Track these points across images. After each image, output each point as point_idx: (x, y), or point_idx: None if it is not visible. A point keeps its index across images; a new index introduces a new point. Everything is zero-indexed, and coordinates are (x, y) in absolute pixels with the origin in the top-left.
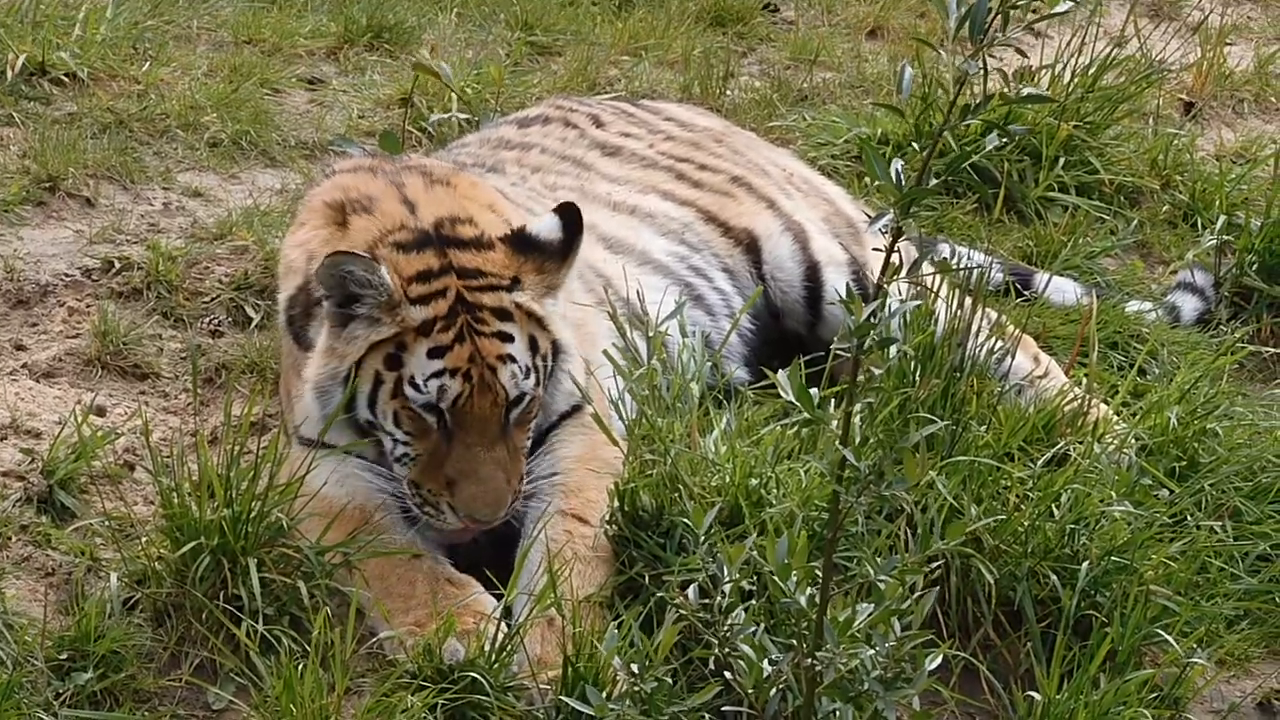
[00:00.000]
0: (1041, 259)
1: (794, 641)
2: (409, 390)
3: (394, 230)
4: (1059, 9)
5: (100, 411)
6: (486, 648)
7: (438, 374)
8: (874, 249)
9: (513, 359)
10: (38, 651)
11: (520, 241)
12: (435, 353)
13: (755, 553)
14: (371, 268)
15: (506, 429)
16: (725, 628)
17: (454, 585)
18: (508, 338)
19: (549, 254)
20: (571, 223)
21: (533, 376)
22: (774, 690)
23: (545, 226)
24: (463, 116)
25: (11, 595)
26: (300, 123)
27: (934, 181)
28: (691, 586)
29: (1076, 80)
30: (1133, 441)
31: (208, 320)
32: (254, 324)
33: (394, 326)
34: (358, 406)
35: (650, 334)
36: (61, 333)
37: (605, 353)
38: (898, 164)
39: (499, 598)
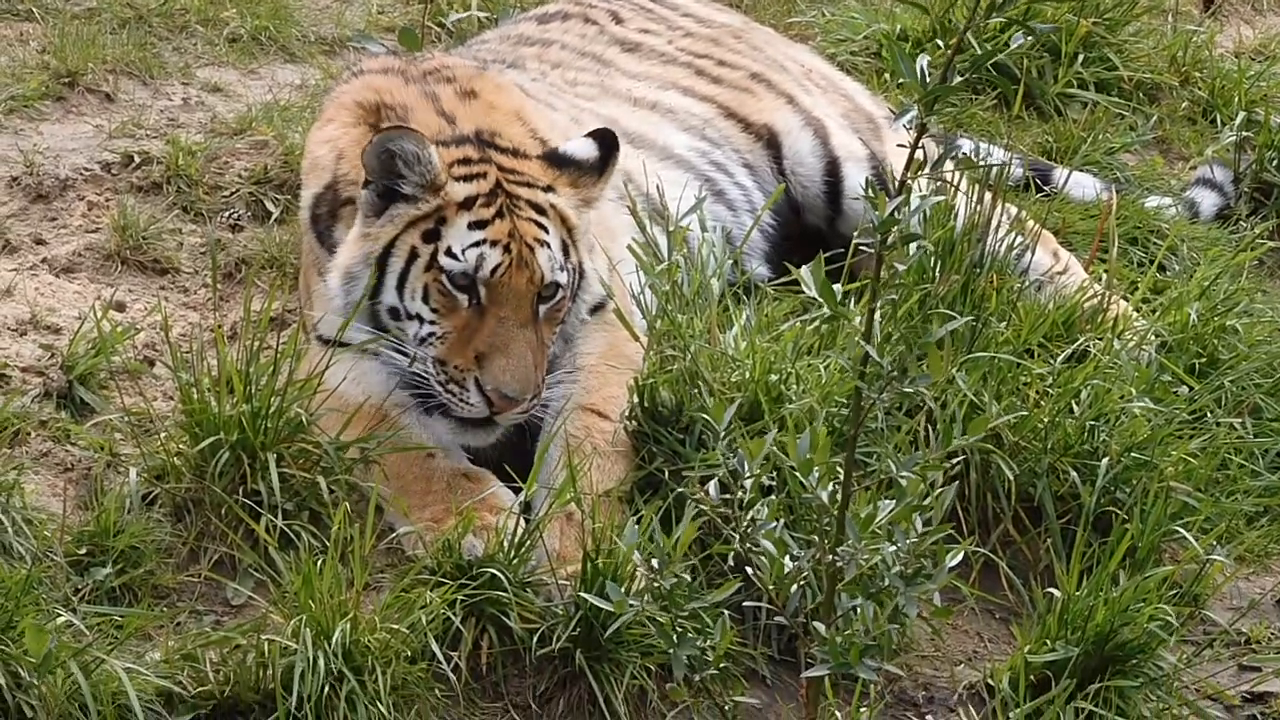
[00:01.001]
0: (1061, 155)
1: (814, 537)
2: (445, 260)
3: (434, 136)
4: None
5: (120, 307)
6: (505, 543)
7: (477, 244)
8: (898, 145)
9: (548, 245)
10: (57, 547)
11: (555, 158)
12: (476, 225)
13: (776, 448)
14: (421, 141)
15: (536, 317)
16: (745, 524)
17: (470, 480)
18: (544, 228)
19: (584, 170)
20: (607, 144)
21: (564, 274)
22: (794, 586)
23: (579, 147)
24: (482, 14)
25: (31, 490)
26: (320, 18)
27: (959, 80)
28: (711, 482)
29: None
30: (1152, 338)
31: (227, 215)
32: (274, 218)
33: (436, 201)
34: (384, 290)
35: (671, 229)
36: (81, 227)
37: (629, 247)
38: (924, 60)
39: (517, 492)
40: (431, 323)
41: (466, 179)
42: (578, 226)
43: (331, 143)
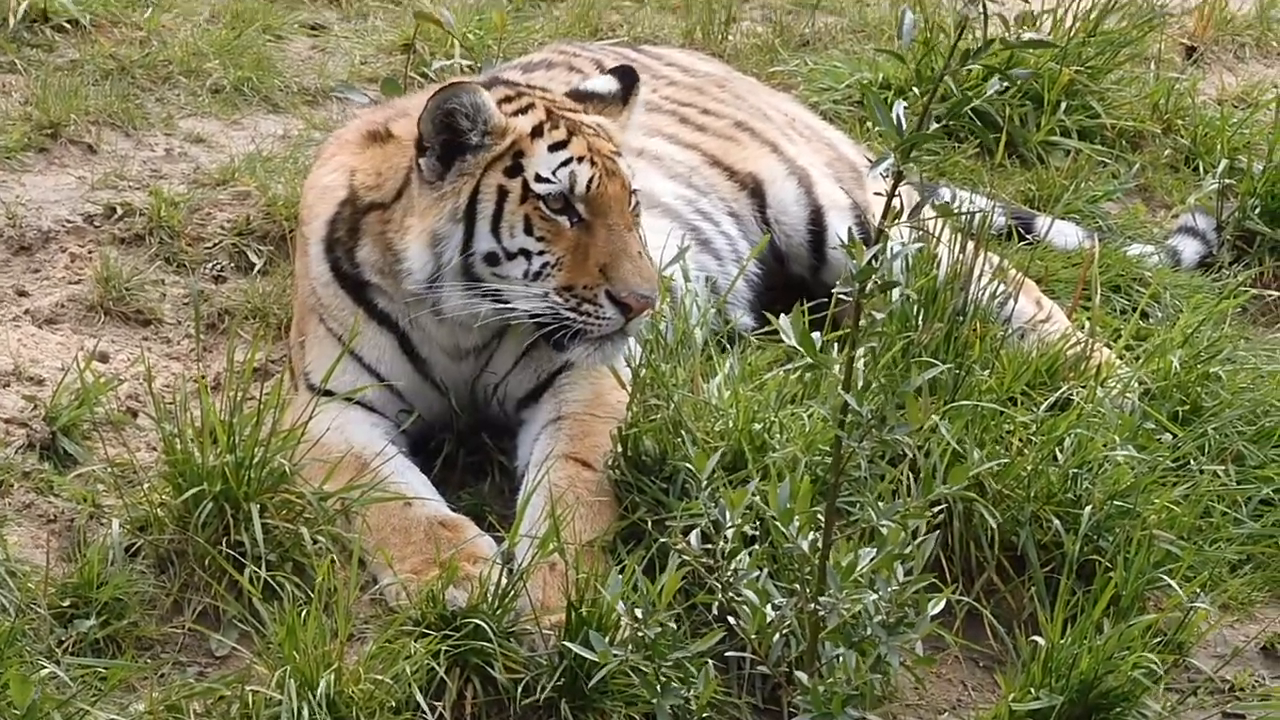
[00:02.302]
0: (1043, 203)
1: (797, 586)
2: (538, 186)
3: None
4: None
5: (103, 358)
6: (489, 594)
7: (565, 163)
8: (875, 193)
9: (620, 155)
10: (40, 599)
11: (577, 94)
12: (556, 146)
13: (758, 498)
14: (475, 90)
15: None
16: (728, 573)
17: (448, 529)
18: (609, 140)
19: (609, 101)
20: (629, 76)
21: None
22: (777, 635)
23: (599, 83)
24: (465, 63)
25: (14, 542)
26: (302, 69)
27: (935, 126)
28: (694, 532)
29: (1078, 24)
30: (1135, 386)
31: (210, 266)
32: (256, 269)
33: (508, 138)
34: (476, 239)
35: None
36: (64, 279)
37: None
38: (899, 108)
39: (500, 540)
40: (541, 253)
41: (522, 111)
42: (624, 145)
43: (341, 169)
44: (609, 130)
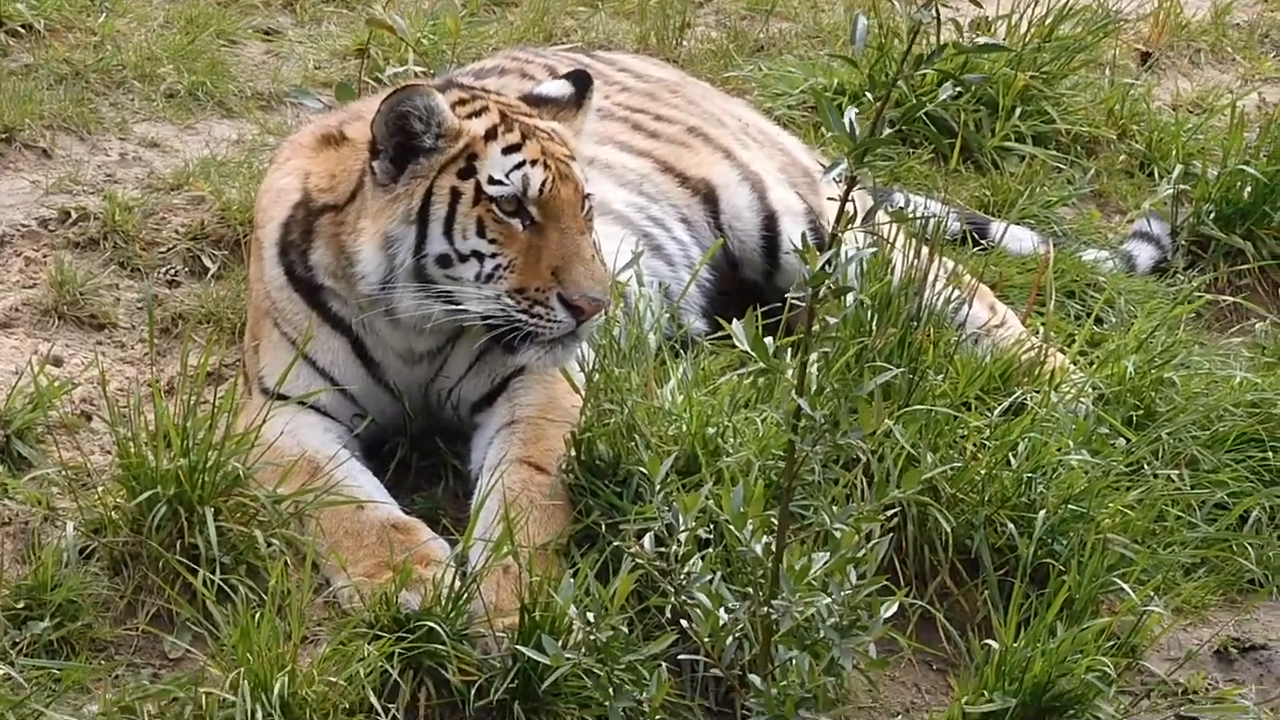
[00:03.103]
0: (998, 208)
1: (750, 590)
2: (491, 189)
3: None
4: None
5: (57, 361)
6: (442, 596)
7: (518, 166)
8: (829, 198)
9: (575, 159)
10: None
11: (531, 98)
12: (509, 149)
13: (711, 501)
14: (428, 93)
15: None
16: (681, 576)
17: (400, 531)
18: (563, 144)
19: (563, 105)
20: (582, 81)
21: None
22: (730, 639)
23: (553, 88)
24: (419, 69)
25: None
26: (256, 74)
27: (888, 131)
28: (647, 535)
29: (1033, 30)
30: (1090, 390)
31: (164, 270)
32: (211, 274)
33: (462, 141)
34: (429, 241)
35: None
36: (18, 283)
37: None
38: (852, 113)
39: (453, 543)
40: (493, 255)
41: (476, 114)
42: (578, 150)
43: (295, 172)
44: (563, 134)
